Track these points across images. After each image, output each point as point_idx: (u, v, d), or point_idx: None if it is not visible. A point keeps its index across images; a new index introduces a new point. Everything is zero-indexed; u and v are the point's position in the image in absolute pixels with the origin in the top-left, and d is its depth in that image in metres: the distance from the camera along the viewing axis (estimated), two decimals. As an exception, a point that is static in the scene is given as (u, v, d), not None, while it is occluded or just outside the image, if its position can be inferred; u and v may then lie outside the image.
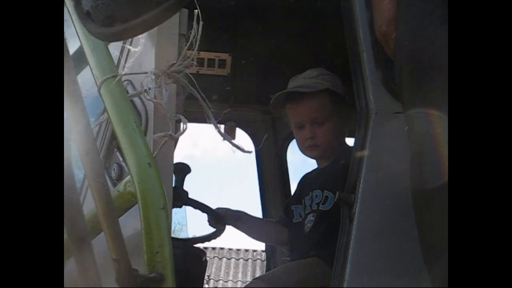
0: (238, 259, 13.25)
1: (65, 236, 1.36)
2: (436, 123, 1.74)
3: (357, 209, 2.22)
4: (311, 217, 2.77)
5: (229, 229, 3.05)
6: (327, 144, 2.81)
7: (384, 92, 2.27)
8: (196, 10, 1.75)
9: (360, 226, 2.21)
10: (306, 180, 3.01)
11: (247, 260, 13.25)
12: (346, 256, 2.19)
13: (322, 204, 2.73)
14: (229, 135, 1.92)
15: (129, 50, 1.90)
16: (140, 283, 1.45)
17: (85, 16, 1.39)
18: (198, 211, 2.94)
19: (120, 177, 1.99)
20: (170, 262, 1.50)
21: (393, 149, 2.21)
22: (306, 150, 2.89)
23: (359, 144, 2.27)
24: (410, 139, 1.87)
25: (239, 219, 3.01)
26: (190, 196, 2.87)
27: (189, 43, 1.79)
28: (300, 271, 2.59)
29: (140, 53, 1.85)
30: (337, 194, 2.26)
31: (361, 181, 2.23)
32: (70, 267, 1.42)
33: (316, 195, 2.77)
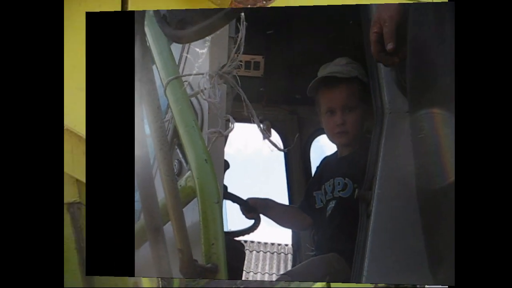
0: (265, 252, 13.37)
1: (142, 224, 1.45)
2: (443, 124, 1.80)
3: (373, 207, 2.30)
4: (332, 204, 2.85)
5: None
6: (356, 131, 2.81)
7: (397, 93, 2.36)
8: (242, 14, 1.85)
9: (376, 223, 2.29)
10: (327, 164, 3.05)
11: (272, 253, 13.38)
12: (364, 253, 2.28)
13: (342, 191, 2.81)
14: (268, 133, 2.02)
15: (187, 53, 1.99)
16: (199, 273, 1.55)
17: (161, 20, 1.51)
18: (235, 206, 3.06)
19: (179, 172, 2.06)
20: (223, 253, 1.59)
21: (406, 148, 2.29)
22: (334, 136, 2.90)
23: (375, 143, 2.35)
24: (415, 140, 1.94)
25: (267, 206, 3.10)
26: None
27: (236, 45, 1.90)
28: (322, 267, 2.69)
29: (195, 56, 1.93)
30: (356, 190, 2.35)
31: (377, 179, 2.31)
32: (143, 253, 1.52)
33: (339, 182, 2.81)
